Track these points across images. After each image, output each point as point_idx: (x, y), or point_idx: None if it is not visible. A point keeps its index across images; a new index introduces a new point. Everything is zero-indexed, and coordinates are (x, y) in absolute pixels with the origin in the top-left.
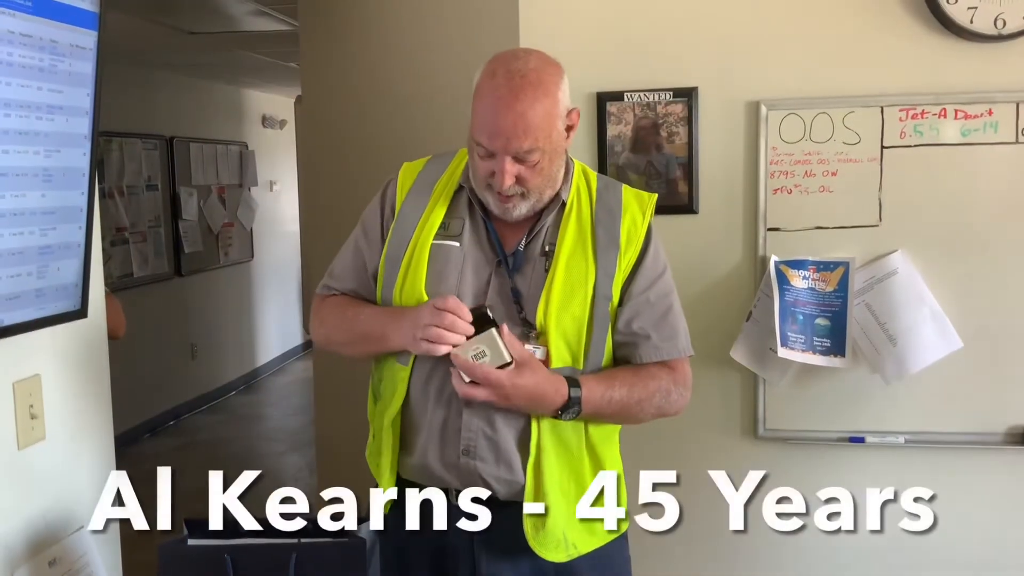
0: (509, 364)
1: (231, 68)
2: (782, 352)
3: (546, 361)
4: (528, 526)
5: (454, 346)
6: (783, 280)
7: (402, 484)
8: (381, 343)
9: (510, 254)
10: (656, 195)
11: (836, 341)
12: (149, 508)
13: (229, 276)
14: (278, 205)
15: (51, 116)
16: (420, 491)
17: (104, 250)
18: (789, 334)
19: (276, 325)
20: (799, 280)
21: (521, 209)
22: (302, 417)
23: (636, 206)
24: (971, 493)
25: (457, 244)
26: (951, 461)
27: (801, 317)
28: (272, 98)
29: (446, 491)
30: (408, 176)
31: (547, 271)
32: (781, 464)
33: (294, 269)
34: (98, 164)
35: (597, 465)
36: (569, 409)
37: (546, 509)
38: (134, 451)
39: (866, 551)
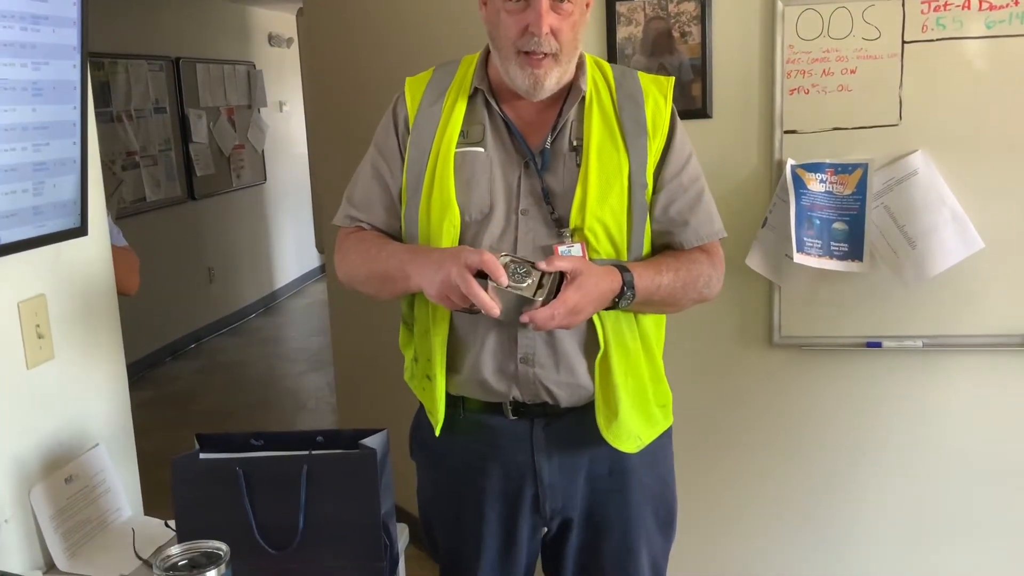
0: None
1: None
2: (798, 258)
3: (585, 256)
4: (601, 420)
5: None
6: (799, 184)
7: (452, 401)
8: (404, 284)
9: (537, 153)
10: (673, 78)
11: (854, 245)
12: (175, 429)
13: (242, 199)
14: (289, 126)
15: (36, 27)
16: (470, 409)
17: (115, 174)
18: (805, 239)
19: (293, 248)
20: (816, 184)
21: (552, 77)
22: (321, 338)
23: (656, 90)
24: (990, 397)
25: (481, 149)
26: (970, 365)
27: (818, 222)
28: (278, 15)
29: (501, 404)
30: (416, 89)
31: (579, 166)
32: (797, 371)
33: (308, 191)
34: (104, 87)
35: (650, 358)
36: (624, 296)
37: (617, 402)
38: (158, 374)
39: (885, 455)
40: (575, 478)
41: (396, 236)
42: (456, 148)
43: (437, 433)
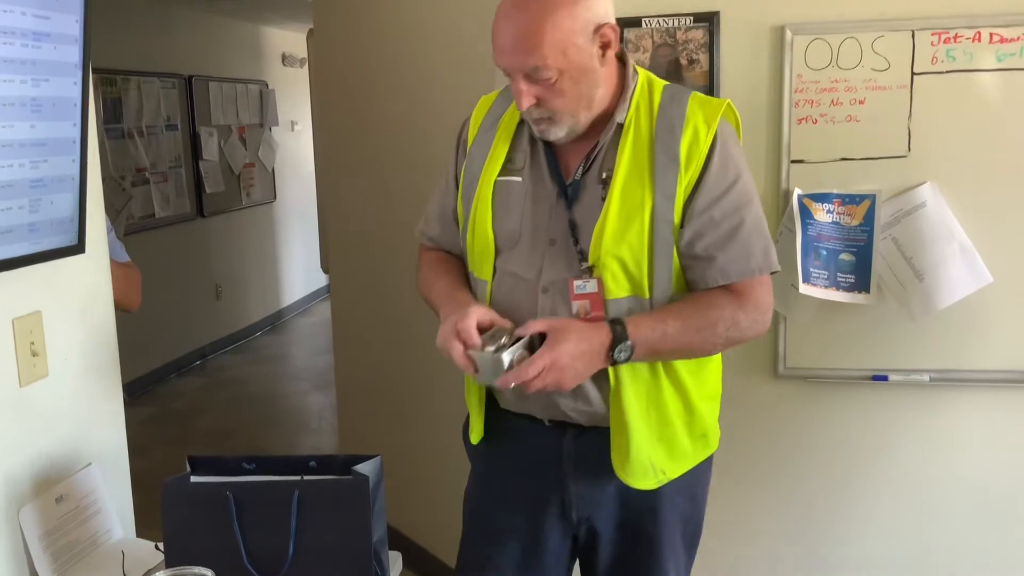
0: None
1: (249, 4)
2: (804, 288)
3: (599, 293)
4: (615, 457)
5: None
6: (806, 214)
7: (502, 414)
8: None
9: (569, 184)
10: (728, 100)
11: (861, 277)
12: (176, 447)
13: (252, 217)
14: (300, 145)
15: (38, 44)
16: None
17: (125, 190)
18: (812, 270)
19: (301, 267)
20: (823, 214)
21: (557, 133)
22: (327, 358)
23: (701, 116)
24: (997, 432)
25: (519, 179)
26: (977, 400)
27: (824, 252)
28: (292, 35)
29: (532, 417)
30: (480, 112)
31: (603, 200)
32: (801, 403)
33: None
34: (116, 103)
35: (681, 389)
36: (618, 346)
37: (629, 442)
38: (162, 390)
39: (890, 490)
40: (604, 489)
41: (456, 251)
42: (499, 176)
43: (474, 441)
